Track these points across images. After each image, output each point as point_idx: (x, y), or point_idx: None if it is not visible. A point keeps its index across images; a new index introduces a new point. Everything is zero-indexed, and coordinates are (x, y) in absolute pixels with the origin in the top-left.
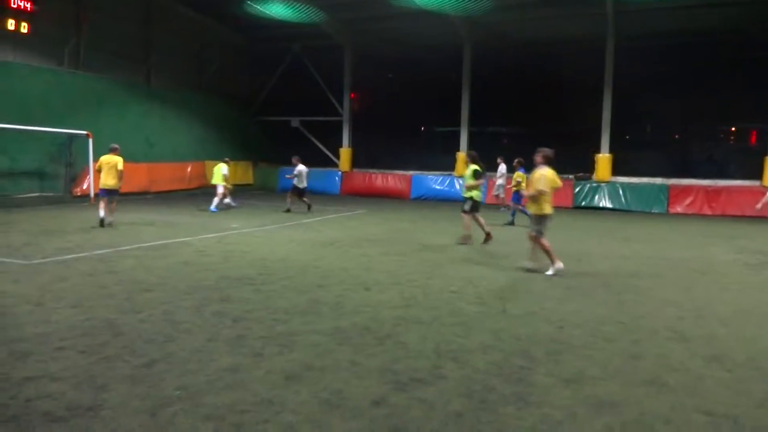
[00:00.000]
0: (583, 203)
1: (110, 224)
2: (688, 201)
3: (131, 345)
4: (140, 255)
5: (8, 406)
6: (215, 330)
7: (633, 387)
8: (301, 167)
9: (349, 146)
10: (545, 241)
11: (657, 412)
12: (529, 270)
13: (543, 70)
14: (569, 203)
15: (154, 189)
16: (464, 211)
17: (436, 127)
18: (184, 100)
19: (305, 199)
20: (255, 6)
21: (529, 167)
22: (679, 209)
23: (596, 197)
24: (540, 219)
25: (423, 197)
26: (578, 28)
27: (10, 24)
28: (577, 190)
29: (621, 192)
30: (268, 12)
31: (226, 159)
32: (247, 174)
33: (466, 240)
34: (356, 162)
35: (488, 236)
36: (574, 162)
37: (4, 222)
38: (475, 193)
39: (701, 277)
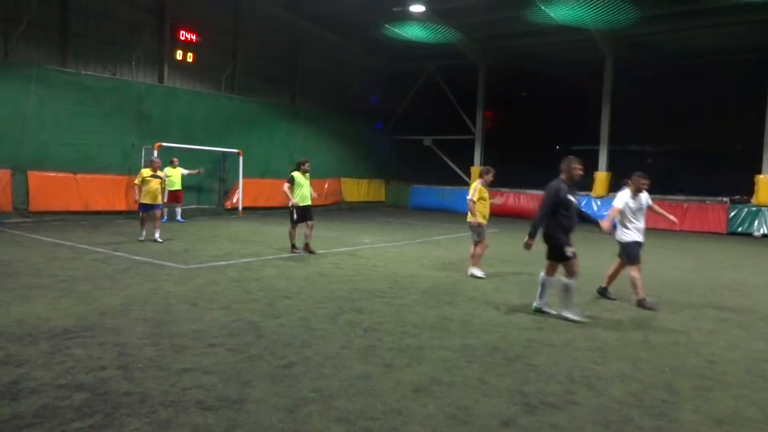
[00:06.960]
0: (740, 229)
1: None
2: None
3: (272, 347)
4: (281, 265)
5: (168, 392)
6: (348, 339)
7: None
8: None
9: (480, 165)
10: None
11: None
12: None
13: (694, 84)
14: (722, 228)
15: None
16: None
17: (572, 146)
18: (325, 119)
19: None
20: (394, 29)
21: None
22: None
23: (755, 223)
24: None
25: None
26: (738, 38)
27: (179, 54)
28: (732, 214)
29: None
30: (405, 34)
31: (175, 158)
32: (380, 191)
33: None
34: None
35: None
36: (731, 184)
37: (169, 230)
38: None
39: None
